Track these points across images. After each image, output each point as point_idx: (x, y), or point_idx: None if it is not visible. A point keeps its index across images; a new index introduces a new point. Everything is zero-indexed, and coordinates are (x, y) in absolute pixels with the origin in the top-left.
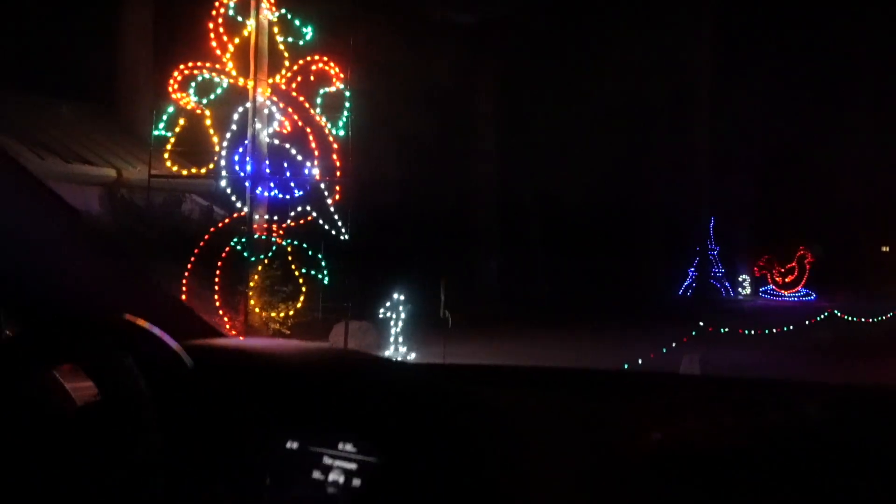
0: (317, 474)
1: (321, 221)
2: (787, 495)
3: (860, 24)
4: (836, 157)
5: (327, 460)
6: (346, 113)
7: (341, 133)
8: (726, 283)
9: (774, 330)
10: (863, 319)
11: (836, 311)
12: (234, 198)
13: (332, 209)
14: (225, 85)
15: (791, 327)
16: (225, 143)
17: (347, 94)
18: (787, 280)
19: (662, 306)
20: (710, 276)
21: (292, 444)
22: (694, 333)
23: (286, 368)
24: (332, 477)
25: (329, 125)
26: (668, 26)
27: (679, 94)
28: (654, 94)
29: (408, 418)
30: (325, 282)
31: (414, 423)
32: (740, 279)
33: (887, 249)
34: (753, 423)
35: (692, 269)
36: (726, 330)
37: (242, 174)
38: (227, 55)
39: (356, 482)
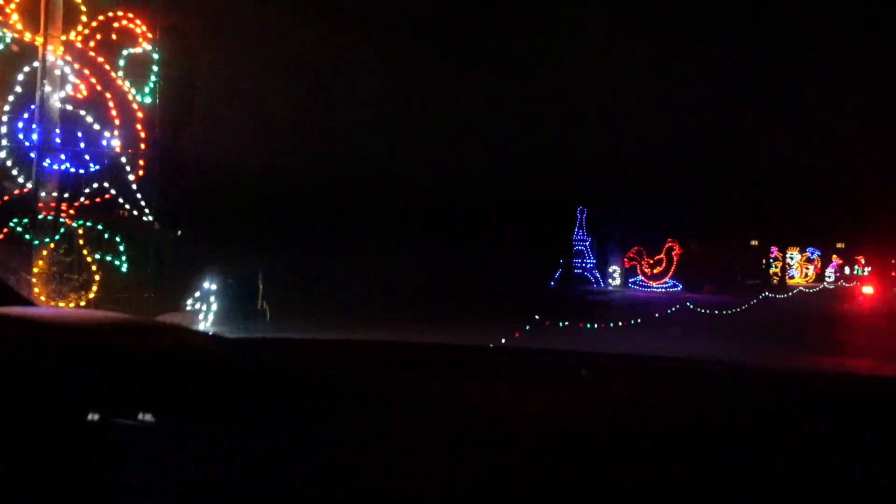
0: (117, 444)
1: (121, 200)
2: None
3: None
4: (711, 153)
5: (127, 430)
6: (153, 78)
7: (147, 100)
8: (596, 274)
9: (621, 323)
10: (716, 312)
11: (688, 304)
12: (15, 171)
13: (134, 186)
14: (9, 40)
15: (639, 320)
16: (7, 108)
17: (155, 56)
18: (655, 271)
19: (529, 297)
20: (580, 267)
21: (93, 416)
22: (528, 328)
23: (88, 339)
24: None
25: (133, 91)
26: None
27: (556, 83)
28: (536, 83)
29: (206, 386)
30: (124, 269)
31: (214, 390)
32: (611, 270)
33: (756, 243)
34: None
35: (563, 261)
36: (565, 324)
37: (28, 144)
38: (13, 5)
39: (156, 450)
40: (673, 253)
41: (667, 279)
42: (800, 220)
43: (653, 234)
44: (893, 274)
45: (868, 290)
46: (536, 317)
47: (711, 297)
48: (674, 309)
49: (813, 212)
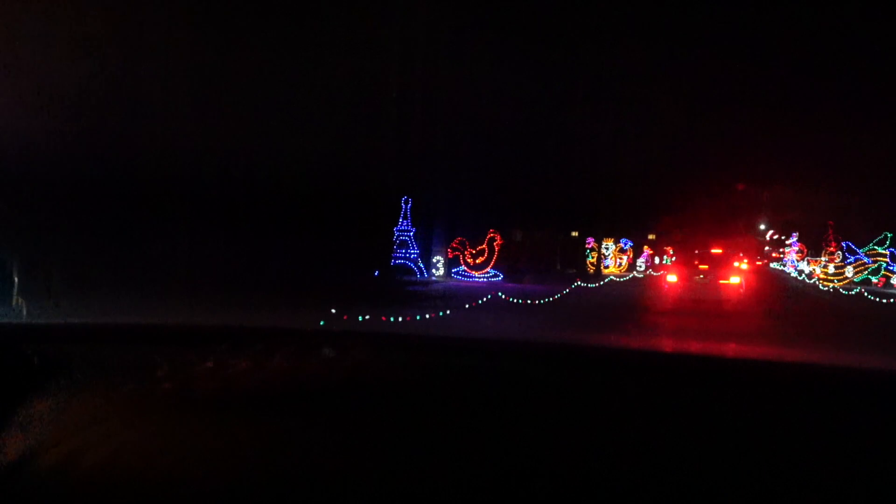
0: None
1: None
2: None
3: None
4: (535, 147)
5: None
6: None
7: None
8: (420, 265)
9: (428, 315)
10: (528, 301)
11: (500, 294)
12: None
13: None
14: None
15: (448, 311)
16: None
17: None
18: (477, 261)
19: (353, 287)
20: (404, 258)
21: None
22: (322, 323)
23: None
24: None
25: None
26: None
27: (380, 69)
28: (358, 68)
29: None
30: None
31: None
32: (434, 260)
33: (576, 234)
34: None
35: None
36: (366, 318)
37: None
38: None
39: None
40: (495, 244)
41: (488, 269)
42: (616, 213)
43: (476, 224)
44: (696, 263)
45: (672, 278)
46: (332, 310)
47: (530, 286)
48: (486, 299)
49: (628, 206)
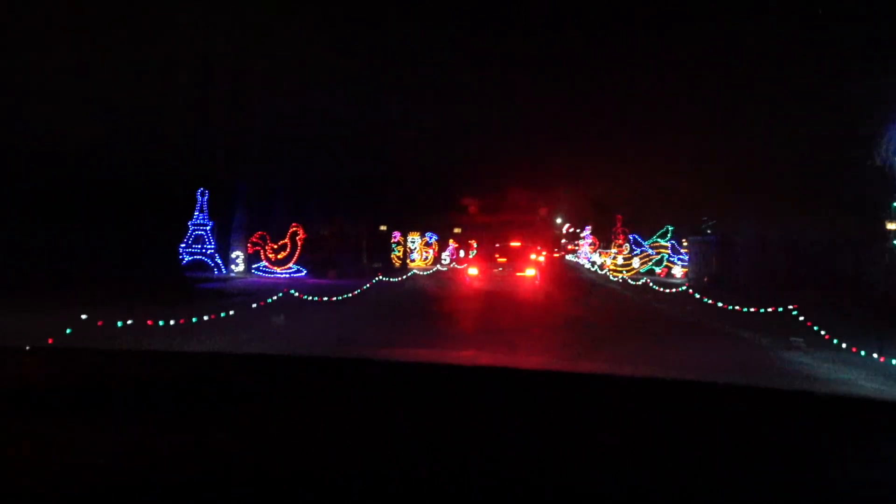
0: None
1: None
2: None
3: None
4: (344, 141)
5: None
6: None
7: None
8: (218, 260)
9: (206, 318)
10: (322, 299)
11: (291, 291)
12: None
13: None
14: None
15: (232, 312)
16: None
17: None
18: (279, 256)
19: (136, 285)
20: (200, 253)
21: None
22: (69, 332)
23: None
24: None
25: None
26: None
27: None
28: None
29: None
30: None
31: None
32: (234, 256)
33: (384, 228)
34: None
35: (183, 246)
36: (128, 323)
37: None
38: None
39: None
40: (297, 238)
41: (291, 265)
42: (422, 207)
43: (280, 218)
44: (495, 256)
45: (473, 271)
46: (84, 316)
47: (333, 281)
48: (277, 297)
49: (435, 200)
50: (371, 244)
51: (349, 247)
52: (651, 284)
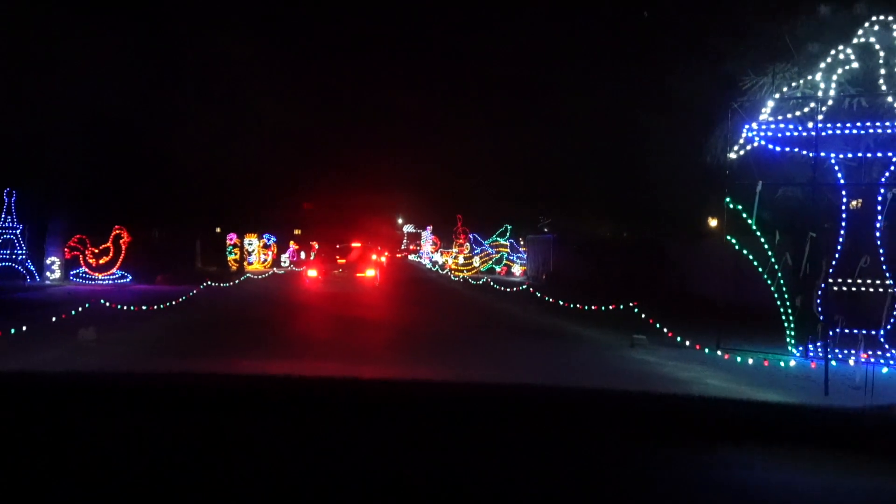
0: None
1: None
2: None
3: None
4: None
5: None
6: None
7: None
8: (30, 267)
9: None
10: (137, 308)
11: (102, 301)
12: None
13: None
14: None
15: (24, 328)
16: None
17: None
18: (101, 262)
19: None
20: (9, 259)
21: None
22: None
23: None
24: None
25: None
26: None
27: None
28: None
29: None
30: None
31: None
32: (49, 262)
33: (219, 230)
34: None
35: None
36: None
37: None
38: None
39: None
40: (121, 241)
41: (114, 270)
42: (260, 208)
43: (104, 221)
44: (335, 257)
45: (312, 273)
46: None
47: (161, 287)
48: (83, 308)
49: (273, 200)
50: (206, 247)
51: (181, 250)
52: (492, 283)
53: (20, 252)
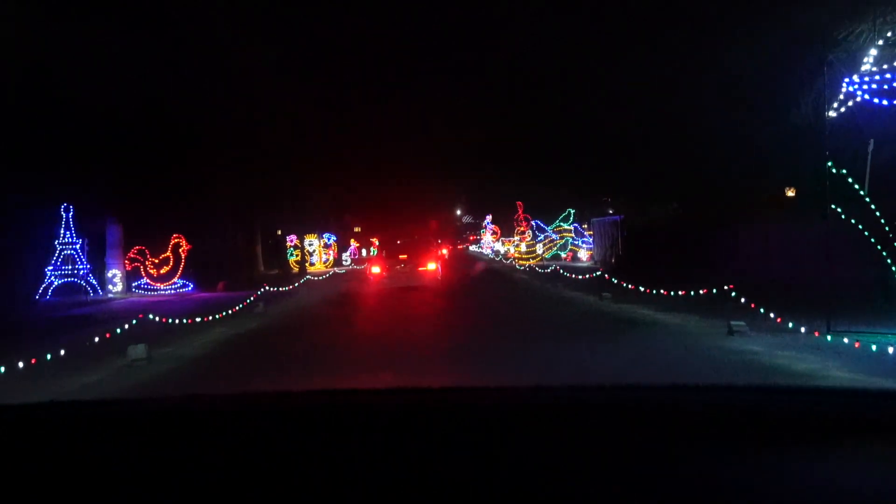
0: None
1: None
2: None
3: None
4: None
5: None
6: None
7: None
8: (92, 281)
9: (22, 363)
10: (196, 321)
11: (153, 316)
12: None
13: None
14: None
15: (62, 351)
16: None
17: None
18: (161, 271)
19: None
20: (72, 275)
21: None
22: None
23: None
24: None
25: None
26: None
27: None
28: None
29: None
30: None
31: None
32: (110, 275)
33: (280, 233)
34: None
35: (51, 268)
36: None
37: None
38: None
39: None
40: (180, 249)
41: (175, 279)
42: (321, 207)
43: (160, 230)
44: (396, 253)
45: (376, 269)
46: None
47: (222, 293)
48: (132, 324)
49: (333, 200)
50: (266, 250)
51: (241, 255)
52: (561, 271)
53: (81, 266)
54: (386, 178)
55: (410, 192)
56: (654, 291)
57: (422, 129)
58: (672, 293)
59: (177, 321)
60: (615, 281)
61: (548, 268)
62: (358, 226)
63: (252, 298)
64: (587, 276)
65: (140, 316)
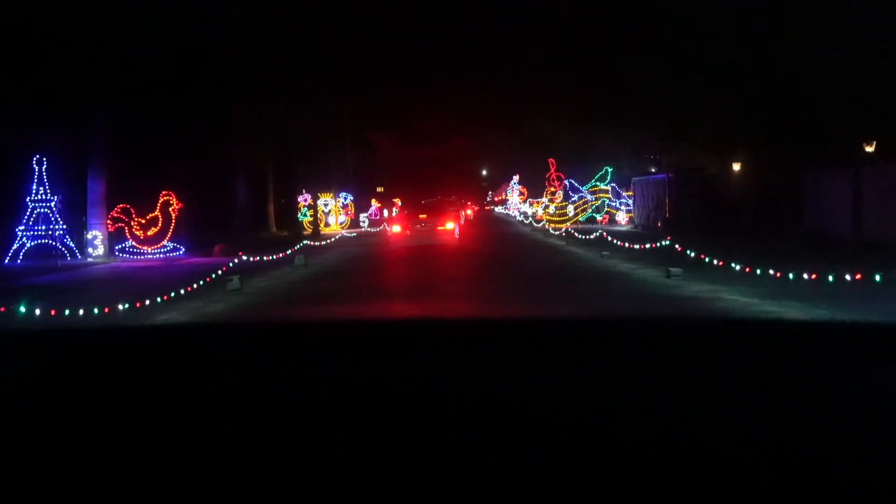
0: None
1: None
2: None
3: None
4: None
5: None
6: None
7: None
8: (69, 244)
9: None
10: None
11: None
12: None
13: None
14: None
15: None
16: None
17: None
18: (149, 233)
19: None
20: (45, 236)
21: None
22: None
23: None
24: None
25: None
26: None
27: None
28: None
29: None
30: None
31: None
32: (90, 236)
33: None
34: None
35: (22, 228)
36: None
37: None
38: None
39: None
40: (170, 208)
41: (165, 242)
42: (337, 167)
43: (145, 187)
44: (417, 212)
45: (396, 228)
46: None
47: (218, 259)
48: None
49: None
50: (279, 209)
51: (248, 215)
52: (607, 236)
53: (56, 226)
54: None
55: (437, 151)
56: (735, 265)
57: (452, 81)
58: (758, 270)
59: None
60: (689, 252)
61: (590, 233)
62: (381, 186)
63: (221, 271)
64: (644, 244)
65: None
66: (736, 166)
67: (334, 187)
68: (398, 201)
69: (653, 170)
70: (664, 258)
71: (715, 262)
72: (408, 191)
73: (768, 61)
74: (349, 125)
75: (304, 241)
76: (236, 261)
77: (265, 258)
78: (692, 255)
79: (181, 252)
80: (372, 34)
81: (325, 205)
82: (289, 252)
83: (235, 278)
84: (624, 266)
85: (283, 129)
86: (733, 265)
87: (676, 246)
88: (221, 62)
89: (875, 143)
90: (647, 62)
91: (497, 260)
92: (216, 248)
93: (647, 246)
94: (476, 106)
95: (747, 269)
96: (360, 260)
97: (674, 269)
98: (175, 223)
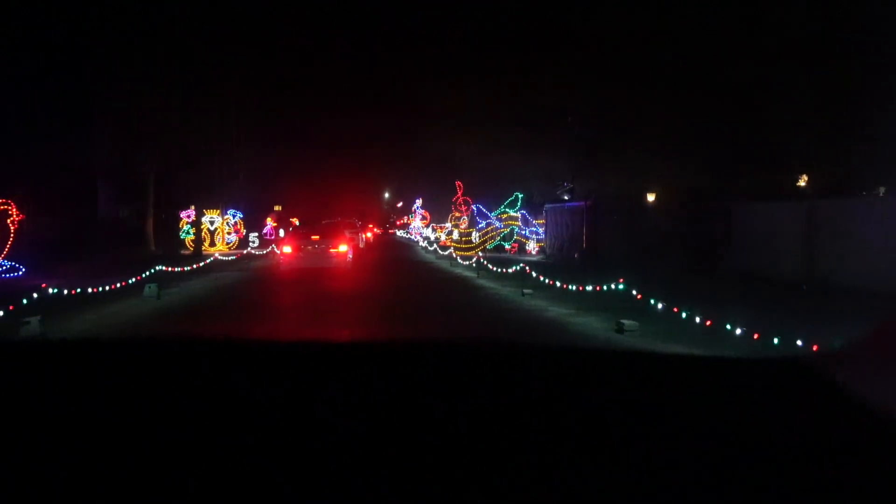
0: None
1: None
2: None
3: None
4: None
5: None
6: None
7: None
8: None
9: None
10: None
11: None
12: None
13: None
14: None
15: None
16: None
17: None
18: None
19: None
20: None
21: None
22: None
23: None
24: None
25: None
26: None
27: None
28: None
29: None
30: None
31: None
32: None
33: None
34: None
35: None
36: None
37: None
38: None
39: None
40: (8, 220)
41: (0, 259)
42: (232, 183)
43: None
44: (309, 233)
45: (287, 249)
46: None
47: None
48: None
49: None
50: (158, 226)
51: (121, 231)
52: (529, 270)
53: None
54: (312, 156)
55: (338, 173)
56: (697, 318)
57: (353, 103)
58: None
59: None
60: (653, 301)
61: (506, 264)
62: (279, 204)
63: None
64: (583, 286)
65: None
66: (659, 195)
67: (224, 203)
68: (296, 221)
69: (565, 197)
70: (608, 301)
71: (696, 318)
72: (308, 211)
73: (704, 83)
74: (242, 134)
75: (159, 266)
76: (56, 290)
77: (108, 287)
78: (659, 305)
79: (21, 273)
80: (272, 41)
81: (212, 222)
82: (142, 276)
83: (34, 320)
84: (554, 310)
85: (165, 136)
86: (726, 325)
87: (634, 292)
88: (79, 47)
89: (806, 177)
90: (563, 80)
91: (390, 300)
92: (61, 270)
93: (589, 288)
94: (379, 122)
95: (755, 336)
96: (226, 291)
97: (627, 322)
98: (14, 238)
